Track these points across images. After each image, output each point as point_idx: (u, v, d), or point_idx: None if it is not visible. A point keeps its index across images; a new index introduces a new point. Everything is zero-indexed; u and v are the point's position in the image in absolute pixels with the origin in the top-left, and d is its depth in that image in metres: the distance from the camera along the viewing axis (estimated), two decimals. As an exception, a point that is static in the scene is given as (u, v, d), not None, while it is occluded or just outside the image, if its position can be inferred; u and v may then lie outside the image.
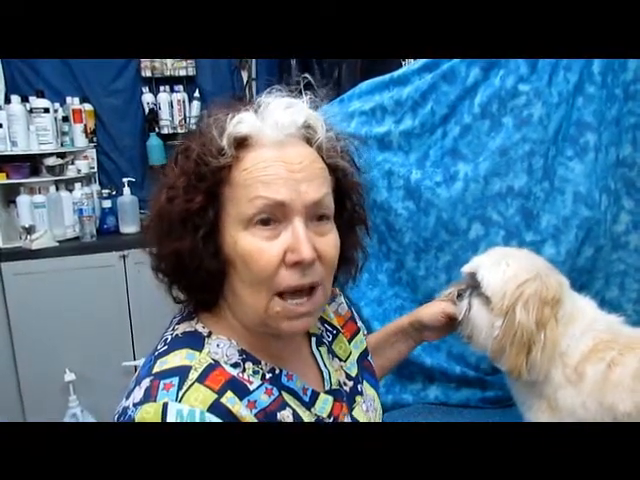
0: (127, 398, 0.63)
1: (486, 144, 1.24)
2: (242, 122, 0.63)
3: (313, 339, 0.78)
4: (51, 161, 2.23)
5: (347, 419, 0.74)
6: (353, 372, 0.81)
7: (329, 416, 0.72)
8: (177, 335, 0.67)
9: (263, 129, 0.64)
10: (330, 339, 0.81)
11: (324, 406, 0.72)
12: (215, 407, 0.60)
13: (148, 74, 2.56)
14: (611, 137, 1.26)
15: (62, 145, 2.32)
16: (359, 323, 0.91)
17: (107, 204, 2.38)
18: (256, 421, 0.63)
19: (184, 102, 2.61)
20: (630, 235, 1.33)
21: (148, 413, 0.58)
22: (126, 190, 2.39)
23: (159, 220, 0.65)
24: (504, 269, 0.97)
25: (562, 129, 1.24)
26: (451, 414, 1.30)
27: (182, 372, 0.62)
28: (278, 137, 0.64)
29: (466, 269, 1.01)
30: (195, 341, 0.66)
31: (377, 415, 0.82)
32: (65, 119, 2.34)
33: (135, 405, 0.60)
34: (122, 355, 2.25)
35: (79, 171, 2.35)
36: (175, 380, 0.61)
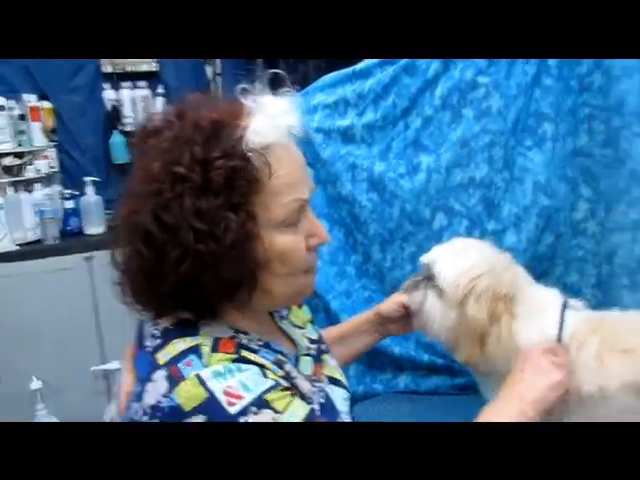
0: (140, 400, 0.64)
1: (447, 135, 1.26)
2: (261, 132, 0.65)
3: (275, 314, 0.83)
4: (8, 161, 2.17)
5: (324, 378, 0.81)
6: (314, 335, 0.87)
7: (314, 374, 0.78)
8: (166, 327, 0.68)
9: (279, 134, 0.67)
10: (286, 313, 0.86)
11: (307, 366, 0.78)
12: (240, 360, 0.64)
13: (109, 70, 2.51)
14: (568, 127, 1.30)
15: (19, 144, 2.25)
16: None
17: (70, 205, 2.32)
18: (275, 369, 0.68)
19: (148, 98, 2.57)
20: (588, 222, 1.37)
21: (187, 392, 0.60)
22: (90, 190, 2.34)
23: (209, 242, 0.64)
24: (459, 262, 0.98)
25: (521, 120, 1.27)
26: (420, 402, 1.32)
27: (194, 350, 0.64)
28: (288, 139, 0.68)
29: (424, 259, 1.03)
30: (188, 328, 0.68)
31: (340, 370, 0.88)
32: (22, 117, 2.27)
33: (166, 395, 0.61)
34: (91, 360, 2.21)
35: (39, 171, 2.28)
36: (192, 356, 0.63)
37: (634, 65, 1.16)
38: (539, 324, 0.96)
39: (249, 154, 0.64)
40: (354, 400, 1.29)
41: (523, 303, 0.97)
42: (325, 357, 0.86)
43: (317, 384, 0.77)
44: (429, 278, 1.00)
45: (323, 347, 0.88)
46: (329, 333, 1.02)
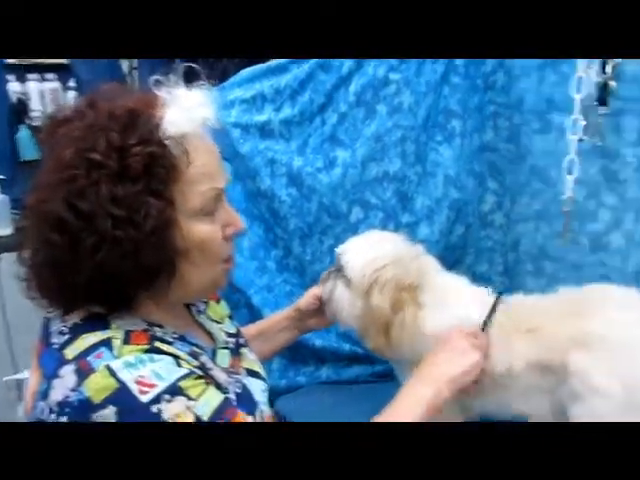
0: (46, 397, 0.62)
1: (362, 131, 1.29)
2: (176, 122, 0.66)
3: (193, 308, 0.83)
4: None
5: (243, 370, 0.82)
6: (232, 330, 0.88)
7: (231, 367, 0.79)
8: (75, 323, 0.67)
9: (194, 125, 0.68)
10: (203, 308, 0.87)
11: (224, 359, 0.79)
12: (152, 350, 0.64)
13: (14, 61, 2.36)
14: (475, 124, 1.37)
15: None
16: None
17: (-27, 205, 2.17)
18: (190, 359, 0.68)
19: (58, 91, 2.45)
20: (495, 214, 1.46)
21: (97, 383, 0.59)
22: (-6, 188, 2.20)
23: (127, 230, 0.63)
24: (366, 253, 1.01)
25: (431, 116, 1.32)
26: (342, 391, 1.35)
27: (105, 343, 0.63)
28: (203, 130, 0.69)
29: (338, 251, 1.05)
30: (99, 322, 0.66)
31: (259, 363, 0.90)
32: None
33: (74, 389, 0.60)
34: (1, 370, 2.07)
35: None
36: (102, 349, 0.62)
37: (532, 65, 1.24)
38: (448, 312, 1.00)
39: (166, 142, 0.64)
40: (277, 393, 1.31)
41: (431, 292, 1.01)
42: (244, 350, 0.87)
43: (234, 376, 0.78)
44: (339, 269, 1.03)
45: (241, 341, 0.89)
46: (248, 331, 1.03)
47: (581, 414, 0.85)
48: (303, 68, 1.31)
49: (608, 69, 1.05)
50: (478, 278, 1.44)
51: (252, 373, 0.84)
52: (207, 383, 0.66)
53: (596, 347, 0.86)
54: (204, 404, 0.62)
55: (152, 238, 0.63)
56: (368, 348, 1.04)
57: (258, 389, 0.81)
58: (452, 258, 1.42)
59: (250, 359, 0.87)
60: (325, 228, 1.34)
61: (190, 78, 0.72)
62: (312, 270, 1.37)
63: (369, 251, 1.02)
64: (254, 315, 1.34)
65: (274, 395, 1.11)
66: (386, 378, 1.35)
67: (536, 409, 0.95)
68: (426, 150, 1.34)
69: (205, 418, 0.61)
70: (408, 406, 0.80)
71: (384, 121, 1.28)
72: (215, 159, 0.71)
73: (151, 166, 0.63)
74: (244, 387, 0.77)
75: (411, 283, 0.98)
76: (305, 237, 1.36)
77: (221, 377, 0.73)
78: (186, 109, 0.67)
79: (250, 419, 0.70)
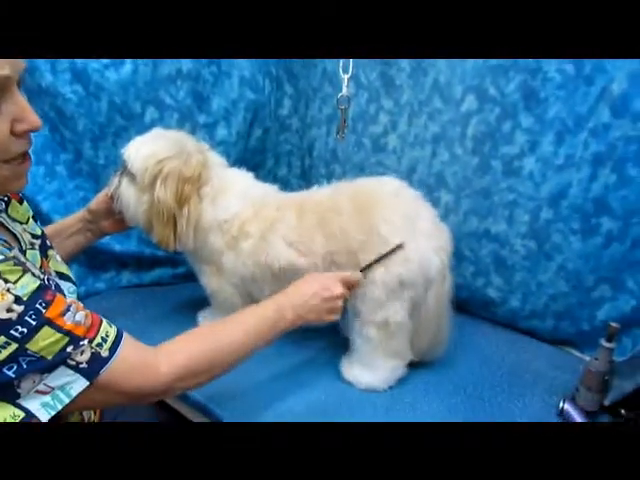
0: None
1: (151, 25, 1.23)
2: None
3: None
4: None
5: (52, 272, 0.80)
6: (38, 231, 0.84)
7: (41, 267, 0.76)
8: None
9: None
10: (4, 207, 0.81)
11: (34, 259, 0.75)
12: None
13: None
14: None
15: None
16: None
17: None
18: (3, 249, 0.63)
19: None
20: (292, 118, 1.52)
21: None
22: None
23: None
24: (148, 148, 1.01)
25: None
26: (143, 293, 1.36)
27: None
28: None
29: (123, 149, 1.03)
30: None
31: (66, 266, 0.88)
32: None
33: None
34: None
35: None
36: None
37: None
38: (221, 205, 1.04)
39: None
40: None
41: (210, 185, 1.04)
42: (51, 252, 0.84)
43: (45, 276, 0.75)
44: (125, 166, 1.02)
45: (48, 242, 0.85)
46: None
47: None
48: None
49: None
50: (278, 181, 1.53)
51: (61, 275, 0.82)
52: (24, 270, 0.63)
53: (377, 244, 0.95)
54: (22, 287, 0.61)
55: None
56: (154, 242, 1.06)
57: (67, 291, 0.79)
58: (253, 161, 1.47)
59: (57, 261, 0.84)
60: (118, 129, 1.28)
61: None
62: (106, 174, 1.30)
63: (151, 145, 1.01)
64: (43, 222, 1.25)
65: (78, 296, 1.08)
66: (188, 279, 1.39)
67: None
68: (221, 49, 1.33)
69: (25, 298, 0.60)
70: (250, 315, 0.84)
71: (173, 15, 1.23)
72: None
73: None
74: (57, 286, 0.75)
75: (193, 175, 1.00)
76: (97, 139, 1.29)
77: (35, 272, 0.70)
78: None
79: (71, 304, 0.66)
